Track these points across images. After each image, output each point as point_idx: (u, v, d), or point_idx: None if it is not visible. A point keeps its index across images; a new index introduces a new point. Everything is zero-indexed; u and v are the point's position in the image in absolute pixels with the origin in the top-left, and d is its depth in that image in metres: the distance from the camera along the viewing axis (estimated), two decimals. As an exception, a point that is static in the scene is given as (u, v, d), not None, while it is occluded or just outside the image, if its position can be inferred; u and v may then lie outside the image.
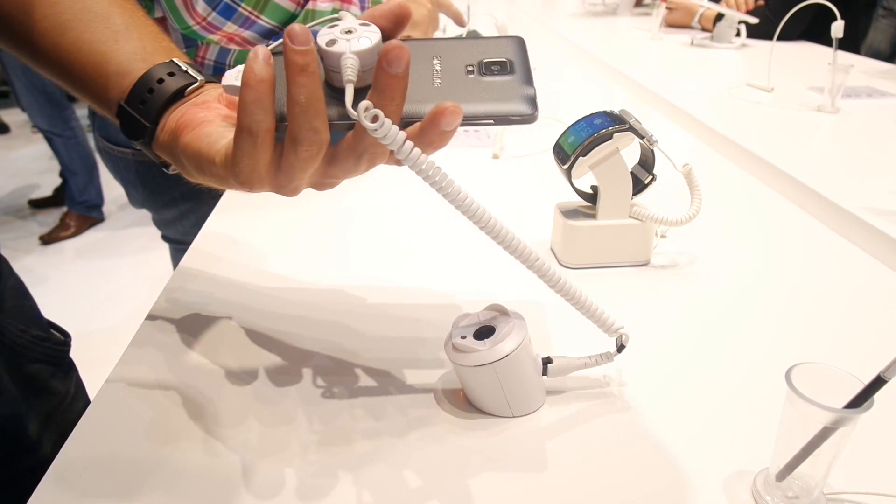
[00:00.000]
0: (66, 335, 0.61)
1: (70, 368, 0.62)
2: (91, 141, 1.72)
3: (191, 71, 0.40)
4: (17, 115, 4.11)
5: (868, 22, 2.21)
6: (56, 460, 0.40)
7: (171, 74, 0.40)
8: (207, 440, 0.42)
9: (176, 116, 0.39)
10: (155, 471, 0.39)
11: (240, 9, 0.71)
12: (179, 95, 0.40)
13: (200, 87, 0.40)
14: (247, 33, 0.74)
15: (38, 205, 3.04)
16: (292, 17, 0.75)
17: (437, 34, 1.10)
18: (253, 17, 0.72)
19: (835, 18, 1.08)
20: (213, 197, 1.04)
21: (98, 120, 1.01)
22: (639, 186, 0.62)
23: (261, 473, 0.39)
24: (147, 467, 0.39)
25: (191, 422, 0.43)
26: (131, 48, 0.41)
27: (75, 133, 2.82)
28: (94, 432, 0.42)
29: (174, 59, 0.40)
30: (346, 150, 0.35)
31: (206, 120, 0.38)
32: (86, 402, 0.62)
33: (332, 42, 0.34)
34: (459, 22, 1.12)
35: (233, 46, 0.78)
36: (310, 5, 0.75)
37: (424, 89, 0.36)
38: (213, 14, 0.70)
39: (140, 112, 0.39)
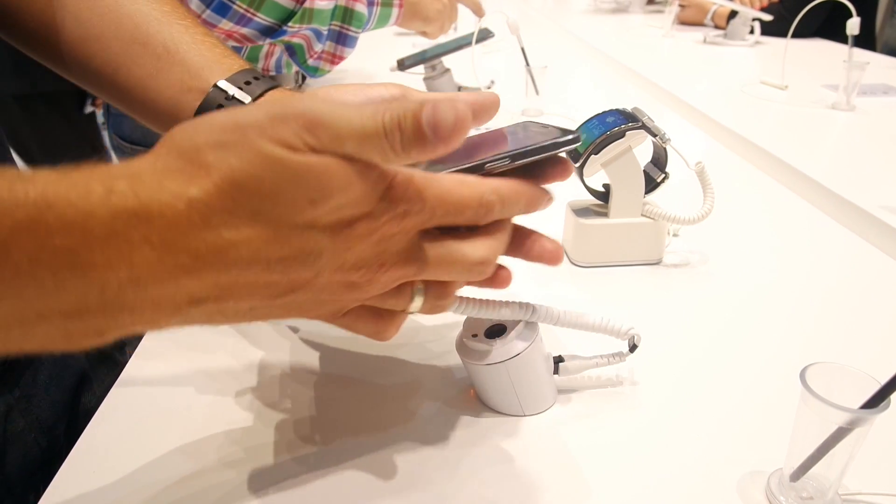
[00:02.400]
0: None
1: (124, 342, 0.64)
2: (105, 139, 1.73)
3: (237, 94, 0.39)
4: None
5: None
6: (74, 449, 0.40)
7: (219, 107, 0.38)
8: (212, 439, 0.42)
9: None
10: (159, 470, 0.39)
11: (234, 6, 0.69)
12: None
13: None
14: (244, 30, 0.73)
15: None
16: (290, 15, 0.73)
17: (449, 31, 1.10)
18: (249, 15, 0.70)
19: (850, 15, 1.07)
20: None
21: (112, 118, 1.02)
22: (651, 185, 0.62)
23: (267, 469, 0.39)
24: (151, 469, 0.40)
25: (195, 421, 0.43)
26: (175, 79, 0.39)
27: None
28: (110, 424, 0.43)
29: (218, 85, 0.39)
30: None
31: None
32: None
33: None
34: (478, 12, 1.11)
35: (232, 43, 0.76)
36: (307, 3, 0.74)
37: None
38: (208, 12, 0.69)
39: None
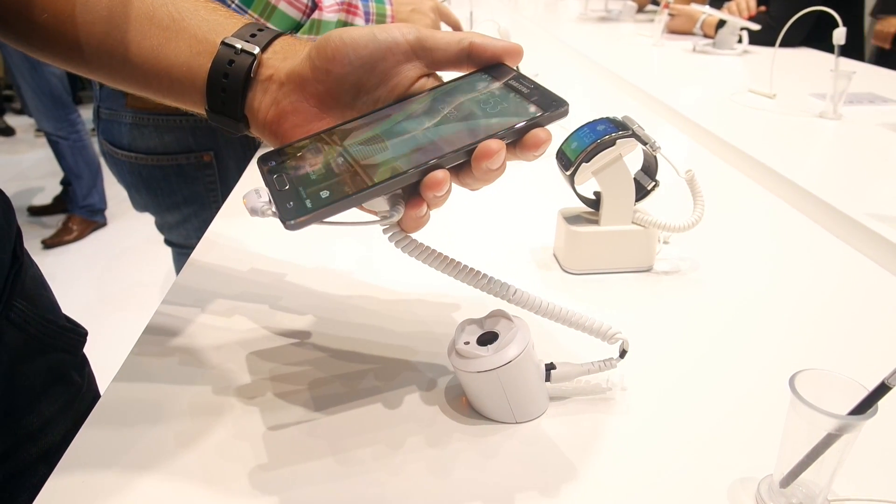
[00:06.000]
0: (83, 328, 0.62)
1: (84, 361, 0.62)
2: (96, 144, 1.73)
3: (245, 47, 0.40)
4: (22, 118, 4.13)
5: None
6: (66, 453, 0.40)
7: (230, 63, 0.40)
8: (210, 445, 0.42)
9: (266, 107, 0.40)
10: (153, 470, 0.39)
11: (246, 15, 0.71)
12: (249, 81, 0.40)
13: (260, 61, 0.40)
14: None
15: (38, 212, 3.04)
16: (299, 26, 0.75)
17: None
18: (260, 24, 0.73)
19: (836, 25, 1.08)
20: (215, 201, 1.05)
21: (102, 124, 1.01)
22: (642, 192, 0.62)
23: (260, 476, 0.39)
24: (143, 472, 0.40)
25: (192, 428, 0.43)
26: (185, 45, 0.41)
27: (81, 136, 2.82)
28: (103, 426, 0.42)
29: (225, 41, 0.40)
30: None
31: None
32: (95, 395, 0.62)
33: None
34: (457, 28, 1.12)
35: None
36: (315, 15, 0.75)
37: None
38: None
39: (227, 113, 0.41)
